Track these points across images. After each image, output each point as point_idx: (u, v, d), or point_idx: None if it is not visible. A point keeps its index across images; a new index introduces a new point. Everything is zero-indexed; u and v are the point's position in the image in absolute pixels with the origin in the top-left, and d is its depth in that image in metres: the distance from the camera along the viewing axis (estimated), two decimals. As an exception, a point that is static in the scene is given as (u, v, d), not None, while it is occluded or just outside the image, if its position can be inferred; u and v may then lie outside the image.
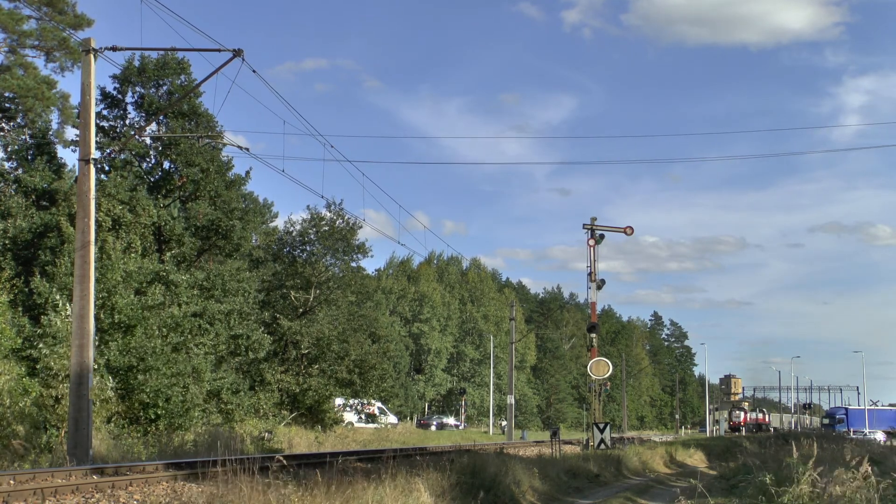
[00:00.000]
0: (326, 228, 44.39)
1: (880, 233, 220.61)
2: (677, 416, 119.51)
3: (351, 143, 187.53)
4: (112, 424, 23.30)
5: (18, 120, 36.63)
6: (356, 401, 46.09)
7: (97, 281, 22.72)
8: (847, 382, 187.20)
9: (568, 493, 20.61)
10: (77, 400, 18.33)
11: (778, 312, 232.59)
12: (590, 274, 35.96)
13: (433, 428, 69.11)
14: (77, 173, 20.20)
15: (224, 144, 36.20)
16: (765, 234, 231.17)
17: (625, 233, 37.05)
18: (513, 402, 59.06)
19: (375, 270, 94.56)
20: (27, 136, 36.04)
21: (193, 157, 34.66)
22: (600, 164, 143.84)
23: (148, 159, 36.33)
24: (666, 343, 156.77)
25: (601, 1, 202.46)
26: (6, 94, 35.60)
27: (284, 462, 14.13)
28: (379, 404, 55.80)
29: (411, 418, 78.62)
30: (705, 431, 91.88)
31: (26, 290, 27.92)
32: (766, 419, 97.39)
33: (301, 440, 31.68)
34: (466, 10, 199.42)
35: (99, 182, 28.07)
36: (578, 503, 19.34)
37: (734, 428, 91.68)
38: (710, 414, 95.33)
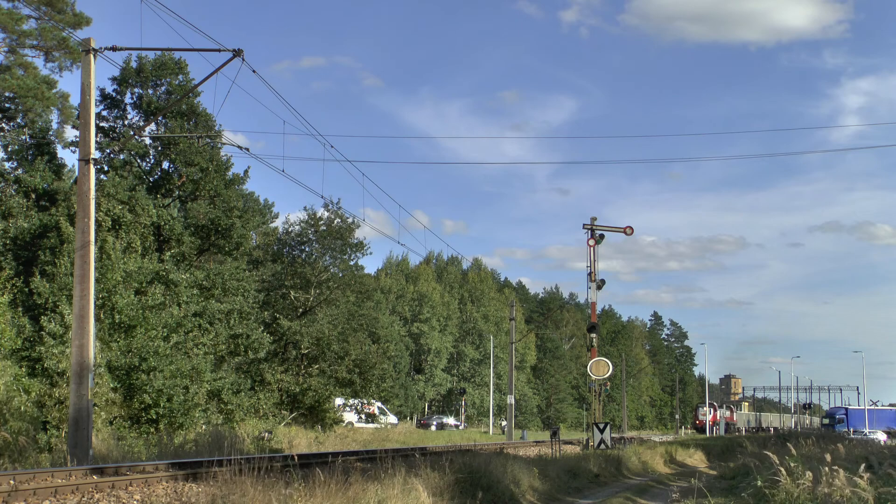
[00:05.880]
0: (324, 228, 44.42)
1: (880, 233, 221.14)
2: (677, 416, 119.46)
3: (351, 143, 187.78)
4: (113, 425, 23.31)
5: (18, 120, 36.60)
6: (356, 401, 46.07)
7: (97, 281, 22.74)
8: (847, 382, 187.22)
9: (568, 493, 20.61)
10: (77, 400, 18.33)
11: (778, 312, 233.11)
12: (590, 274, 35.94)
13: (433, 428, 69.08)
14: (77, 173, 20.20)
15: (223, 144, 36.24)
16: (765, 234, 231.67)
17: (625, 233, 37.02)
18: (513, 402, 59.02)
19: (375, 271, 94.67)
20: (27, 136, 36.02)
21: (193, 156, 34.67)
22: (600, 164, 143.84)
23: (147, 159, 36.34)
24: (666, 343, 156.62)
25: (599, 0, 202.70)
26: (6, 94, 35.57)
27: (294, 461, 14.11)
28: (379, 404, 55.79)
29: (411, 418, 78.58)
30: (705, 431, 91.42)
31: (26, 290, 27.92)
32: (734, 417, 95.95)
33: (301, 440, 31.65)
34: (467, 12, 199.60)
35: (99, 182, 28.08)
36: (578, 503, 19.34)
37: (699, 428, 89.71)
38: (716, 414, 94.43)
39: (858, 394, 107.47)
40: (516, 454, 27.04)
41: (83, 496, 13.54)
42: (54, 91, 36.70)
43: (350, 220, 44.57)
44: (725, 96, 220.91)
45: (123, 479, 15.10)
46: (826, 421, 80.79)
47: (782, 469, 12.81)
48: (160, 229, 32.65)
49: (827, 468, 12.47)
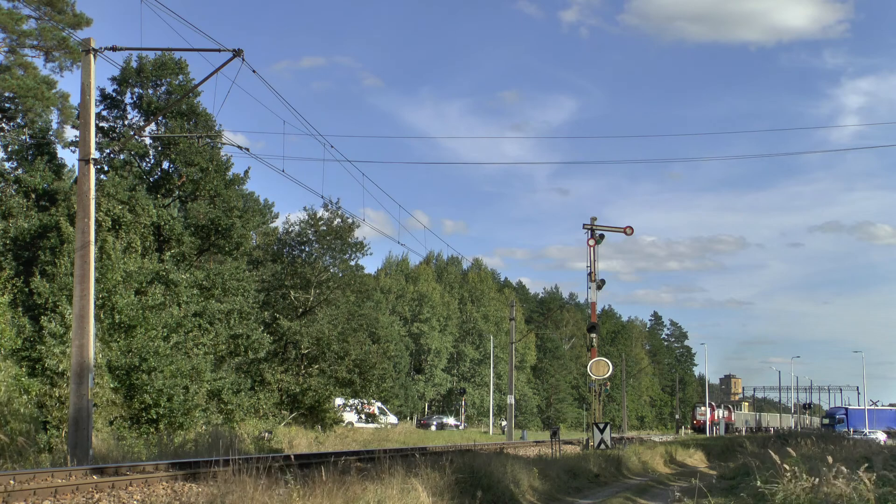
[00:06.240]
0: (324, 228, 44.43)
1: (880, 233, 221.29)
2: (677, 416, 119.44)
3: (351, 143, 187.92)
4: (113, 425, 23.30)
5: (18, 120, 36.59)
6: (356, 401, 46.07)
7: (97, 281, 22.73)
8: (847, 382, 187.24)
9: (568, 493, 20.61)
10: (77, 400, 18.33)
11: (778, 312, 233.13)
12: (590, 274, 35.94)
13: (433, 428, 69.09)
14: (77, 173, 20.20)
15: (223, 144, 36.24)
16: (765, 234, 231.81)
17: (625, 233, 37.01)
18: (513, 402, 59.02)
19: (375, 271, 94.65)
20: (27, 136, 36.01)
21: (193, 156, 34.67)
22: (600, 164, 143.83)
23: (147, 159, 36.33)
24: (666, 343, 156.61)
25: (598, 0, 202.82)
26: (6, 94, 35.56)
27: (287, 461, 14.18)
28: (379, 404, 55.78)
29: (411, 418, 78.58)
30: (704, 431, 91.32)
31: (26, 290, 27.91)
32: (732, 417, 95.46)
33: (301, 440, 31.66)
34: (467, 12, 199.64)
35: (99, 182, 28.07)
36: (578, 503, 19.35)
37: (697, 428, 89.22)
38: (713, 414, 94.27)
39: (858, 394, 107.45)
40: (516, 454, 27.04)
41: (83, 496, 13.54)
42: (54, 91, 36.69)
43: (350, 220, 44.62)
44: (725, 96, 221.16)
45: (123, 479, 15.10)
46: (826, 421, 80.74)
47: (786, 467, 12.81)
48: (160, 229, 32.64)
49: (826, 468, 12.47)
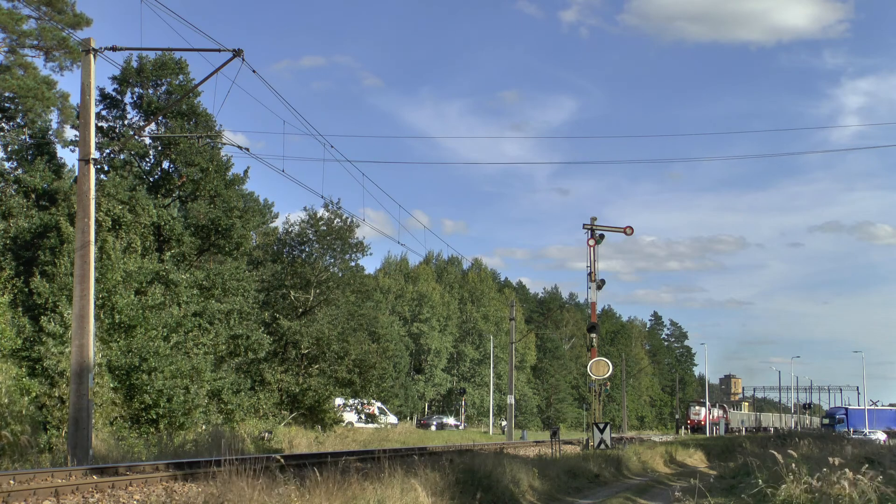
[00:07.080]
0: (324, 228, 44.42)
1: (880, 233, 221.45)
2: (677, 416, 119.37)
3: (351, 143, 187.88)
4: (113, 425, 23.31)
5: (18, 120, 36.57)
6: (356, 401, 46.08)
7: (97, 281, 22.74)
8: (847, 382, 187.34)
9: (568, 493, 20.60)
10: (77, 400, 18.33)
11: (778, 312, 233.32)
12: (590, 274, 35.93)
13: (433, 428, 69.09)
14: (77, 173, 20.19)
15: (223, 144, 36.21)
16: (765, 234, 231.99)
17: (625, 233, 37.00)
18: (513, 402, 59.02)
19: (374, 271, 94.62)
20: (27, 136, 35.99)
21: (193, 156, 34.65)
22: (600, 164, 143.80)
23: (147, 159, 36.31)
24: (666, 343, 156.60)
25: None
26: (6, 94, 35.54)
27: (283, 462, 14.16)
28: (379, 404, 55.78)
29: (411, 418, 78.57)
30: (705, 431, 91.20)
31: (26, 290, 27.90)
32: (727, 416, 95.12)
33: (301, 440, 31.67)
34: (467, 12, 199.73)
35: (98, 182, 28.06)
36: (578, 503, 19.34)
37: (693, 428, 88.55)
38: (708, 413, 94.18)
39: (858, 394, 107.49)
40: (516, 454, 27.04)
41: (83, 496, 13.54)
42: (54, 91, 36.65)
43: (350, 219, 44.60)
44: (725, 96, 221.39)
45: (123, 479, 15.10)
46: (826, 421, 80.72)
47: (792, 466, 12.81)
48: (160, 229, 32.63)
49: (829, 468, 12.46)
